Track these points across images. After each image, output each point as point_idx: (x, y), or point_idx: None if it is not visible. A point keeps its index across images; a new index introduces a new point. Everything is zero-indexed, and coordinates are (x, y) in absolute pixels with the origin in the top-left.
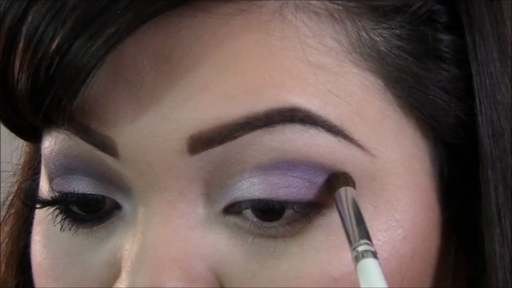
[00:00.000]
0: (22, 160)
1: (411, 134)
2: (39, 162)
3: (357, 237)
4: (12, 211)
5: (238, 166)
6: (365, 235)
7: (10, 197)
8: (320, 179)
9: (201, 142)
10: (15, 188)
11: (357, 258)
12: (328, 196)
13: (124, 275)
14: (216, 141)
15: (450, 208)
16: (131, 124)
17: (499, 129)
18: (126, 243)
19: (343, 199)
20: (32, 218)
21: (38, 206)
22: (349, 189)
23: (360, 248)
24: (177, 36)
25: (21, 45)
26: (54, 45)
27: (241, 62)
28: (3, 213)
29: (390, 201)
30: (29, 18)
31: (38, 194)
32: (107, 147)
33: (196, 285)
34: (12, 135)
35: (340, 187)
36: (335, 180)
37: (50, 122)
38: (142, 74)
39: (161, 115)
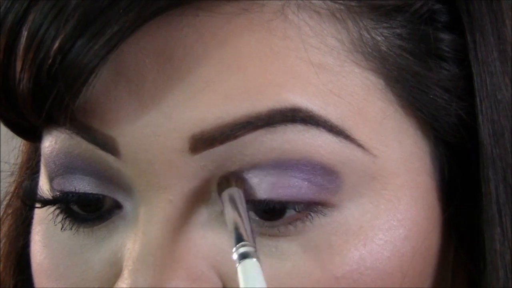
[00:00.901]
0: (20, 160)
1: (412, 134)
2: (38, 161)
3: (236, 241)
4: (10, 211)
5: (239, 166)
6: (244, 236)
7: (8, 197)
8: (321, 179)
9: (202, 142)
10: (13, 188)
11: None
12: (328, 196)
13: (126, 274)
14: (218, 141)
15: (450, 207)
16: (133, 123)
17: (500, 128)
18: (128, 242)
19: (226, 201)
20: (31, 217)
21: (38, 205)
22: (233, 190)
23: (240, 250)
24: (179, 35)
25: (22, 44)
26: (56, 45)
27: (243, 61)
28: (1, 213)
29: (391, 200)
30: (31, 17)
31: (38, 194)
32: (109, 146)
33: (198, 285)
34: (10, 134)
35: (226, 188)
36: (225, 181)
37: (51, 121)
38: (143, 73)
39: (163, 114)
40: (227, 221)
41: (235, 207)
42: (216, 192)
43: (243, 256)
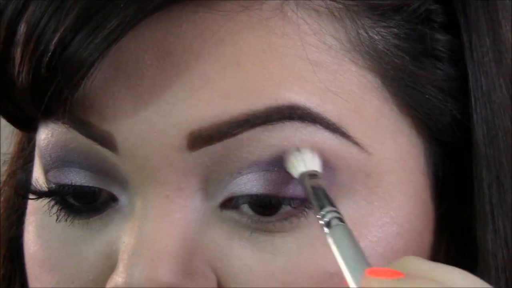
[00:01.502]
0: (10, 150)
1: (407, 133)
2: (31, 151)
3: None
4: (1, 199)
5: (236, 162)
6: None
7: None
8: None
9: (200, 139)
10: (5, 177)
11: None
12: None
13: (121, 267)
14: (216, 138)
15: (443, 205)
16: (131, 119)
17: (494, 128)
18: (123, 235)
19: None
20: (23, 208)
21: (33, 197)
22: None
23: (329, 215)
24: (178, 32)
25: (22, 37)
26: (56, 38)
27: (242, 59)
28: None
29: (385, 198)
30: (30, 9)
31: (33, 185)
32: (106, 141)
33: (193, 279)
34: (2, 123)
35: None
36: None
37: (49, 114)
38: (142, 70)
39: (161, 111)
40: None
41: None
42: (213, 188)
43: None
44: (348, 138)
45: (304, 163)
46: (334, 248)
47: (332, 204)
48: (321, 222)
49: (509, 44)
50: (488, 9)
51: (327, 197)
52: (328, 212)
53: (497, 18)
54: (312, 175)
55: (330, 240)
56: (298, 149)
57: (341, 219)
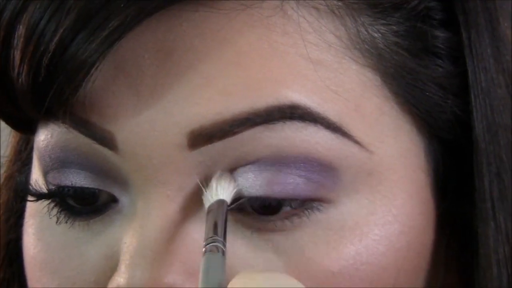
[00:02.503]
0: (8, 152)
1: (407, 130)
2: (29, 153)
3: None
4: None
5: (237, 162)
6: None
7: None
8: (318, 175)
9: (201, 137)
10: (3, 179)
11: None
12: (325, 192)
13: (123, 268)
14: (216, 137)
15: (444, 202)
16: (131, 118)
17: (494, 125)
18: (124, 236)
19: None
20: (22, 210)
21: (33, 199)
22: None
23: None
24: (178, 31)
25: (22, 37)
26: (56, 38)
27: (243, 58)
28: None
29: (387, 196)
30: (30, 10)
31: (32, 187)
32: (107, 141)
33: (195, 279)
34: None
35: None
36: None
37: (50, 115)
38: (142, 68)
39: (162, 110)
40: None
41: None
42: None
43: (210, 250)
44: (349, 137)
45: (210, 197)
46: (200, 274)
47: (220, 233)
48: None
49: (508, 40)
50: (486, 6)
51: (216, 225)
52: (212, 241)
53: (496, 15)
54: (218, 203)
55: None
56: (214, 183)
57: (222, 250)
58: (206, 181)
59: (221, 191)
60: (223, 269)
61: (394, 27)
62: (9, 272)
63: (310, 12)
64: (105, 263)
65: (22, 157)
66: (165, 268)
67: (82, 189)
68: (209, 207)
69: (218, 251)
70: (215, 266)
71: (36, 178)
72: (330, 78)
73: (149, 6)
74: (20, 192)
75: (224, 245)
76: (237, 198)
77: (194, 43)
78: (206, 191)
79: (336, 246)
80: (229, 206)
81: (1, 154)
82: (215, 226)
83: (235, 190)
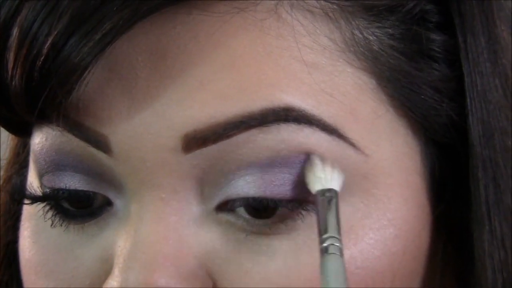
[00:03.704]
0: (6, 154)
1: (403, 134)
2: (26, 156)
3: (326, 229)
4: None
5: (232, 165)
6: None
7: None
8: None
9: (195, 141)
10: (1, 182)
11: (323, 251)
12: None
13: (116, 272)
14: (211, 140)
15: (440, 206)
16: (125, 121)
17: (490, 129)
18: (118, 239)
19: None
20: (19, 213)
21: (27, 202)
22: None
23: (328, 242)
24: (172, 34)
25: (15, 41)
26: (49, 42)
27: (237, 61)
28: None
29: (382, 200)
30: (23, 13)
31: (27, 190)
32: (101, 144)
33: (188, 283)
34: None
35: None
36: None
37: (43, 118)
38: (136, 71)
39: (156, 113)
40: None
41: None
42: (209, 190)
43: (327, 250)
44: (345, 139)
45: (322, 179)
46: (321, 276)
47: (337, 230)
48: (320, 246)
49: (504, 44)
50: (483, 9)
51: (332, 221)
52: (329, 237)
53: (492, 18)
54: (328, 193)
55: (320, 267)
56: (320, 162)
57: (340, 249)
58: (201, 184)
59: (334, 178)
60: (344, 271)
61: (390, 30)
62: (8, 274)
63: (305, 15)
64: (100, 266)
65: (20, 159)
66: (159, 272)
67: (77, 192)
68: (321, 192)
69: (336, 252)
70: (336, 269)
71: (32, 181)
72: (324, 81)
73: (143, 9)
74: (16, 195)
75: (341, 242)
76: (232, 201)
77: (188, 46)
78: (319, 173)
79: None
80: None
81: (1, 157)
82: (331, 220)
83: (340, 181)
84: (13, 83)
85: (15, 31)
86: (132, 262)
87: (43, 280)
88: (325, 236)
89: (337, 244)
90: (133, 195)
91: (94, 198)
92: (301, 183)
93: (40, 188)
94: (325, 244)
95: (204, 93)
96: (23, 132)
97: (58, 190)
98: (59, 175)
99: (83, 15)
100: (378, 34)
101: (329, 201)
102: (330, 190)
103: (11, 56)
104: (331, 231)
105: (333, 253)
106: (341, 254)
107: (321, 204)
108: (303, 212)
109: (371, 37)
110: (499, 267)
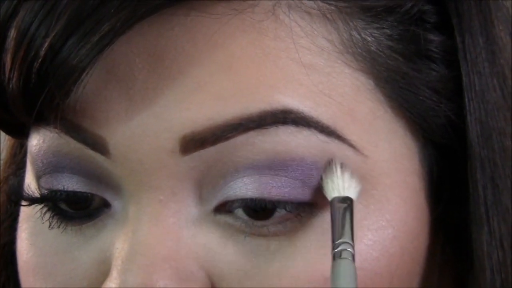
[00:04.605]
0: (3, 156)
1: (401, 134)
2: (23, 157)
3: (341, 235)
4: None
5: (230, 167)
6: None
7: None
8: (313, 179)
9: (193, 143)
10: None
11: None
12: (320, 197)
13: (115, 273)
14: (209, 142)
15: (438, 207)
16: (123, 123)
17: (488, 129)
18: (116, 241)
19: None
20: (16, 214)
21: (25, 203)
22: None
23: (341, 247)
24: (170, 35)
25: (12, 42)
26: (47, 43)
27: (235, 63)
28: None
29: (381, 200)
30: (21, 15)
31: (25, 192)
32: (98, 145)
33: (187, 284)
34: None
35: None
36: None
37: (41, 120)
38: (134, 73)
39: (153, 114)
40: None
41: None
42: (207, 192)
43: (340, 255)
44: (343, 140)
45: (339, 186)
46: (332, 280)
47: (350, 237)
48: (332, 251)
49: (502, 44)
50: (481, 9)
51: (347, 228)
52: (342, 243)
53: (490, 18)
54: (344, 202)
55: (331, 271)
56: (339, 169)
57: (353, 255)
58: (199, 186)
59: (351, 186)
60: (355, 277)
61: (388, 31)
62: (5, 275)
63: (302, 16)
64: (98, 268)
65: (17, 160)
66: (157, 274)
67: (74, 194)
68: (336, 199)
69: (349, 257)
70: (348, 273)
71: (29, 183)
72: (322, 82)
73: (141, 11)
74: (12, 196)
75: (353, 248)
76: (230, 202)
77: (186, 48)
78: (337, 180)
79: (329, 251)
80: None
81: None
82: (346, 226)
83: (357, 189)
84: (11, 85)
85: (12, 33)
86: (130, 264)
87: (41, 282)
88: (338, 241)
89: (350, 250)
90: (131, 197)
91: (92, 200)
92: (299, 185)
93: (37, 190)
94: (338, 249)
95: (202, 95)
96: (20, 134)
97: (56, 191)
98: (57, 176)
99: (81, 16)
100: (376, 35)
101: (345, 209)
102: (346, 198)
103: (8, 58)
104: (346, 237)
105: (346, 258)
106: (353, 260)
107: (337, 211)
108: (302, 214)
109: (369, 38)
110: (497, 267)
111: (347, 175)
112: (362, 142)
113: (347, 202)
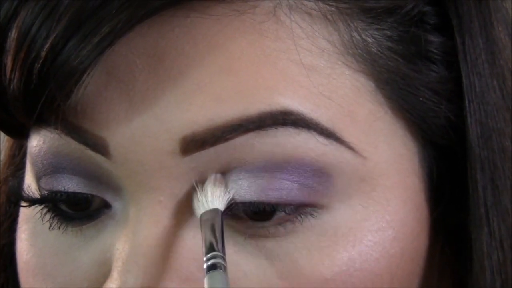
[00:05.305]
0: (2, 157)
1: (401, 135)
2: (23, 158)
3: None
4: None
5: (229, 168)
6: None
7: None
8: (311, 181)
9: (193, 144)
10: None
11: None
12: (319, 197)
13: (115, 274)
14: (209, 143)
15: (438, 208)
16: (123, 124)
17: (488, 130)
18: (117, 242)
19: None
20: (16, 215)
21: (25, 204)
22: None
23: (212, 261)
24: (170, 36)
25: (13, 44)
26: (47, 45)
27: (235, 64)
28: None
29: (380, 202)
30: (21, 16)
31: (25, 192)
32: (99, 146)
33: (188, 285)
34: None
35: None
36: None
37: (41, 121)
38: (134, 74)
39: (154, 116)
40: (202, 237)
41: (212, 227)
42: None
43: (212, 267)
44: (342, 143)
45: (203, 201)
46: None
47: (221, 249)
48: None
49: (502, 45)
50: (481, 10)
51: (217, 241)
52: (213, 257)
53: (490, 19)
54: (211, 213)
55: (205, 285)
56: (199, 187)
57: (224, 266)
58: (199, 187)
59: (216, 198)
60: (228, 286)
61: (388, 32)
62: (4, 277)
63: (303, 17)
64: (98, 269)
65: (16, 161)
66: (158, 275)
67: (74, 195)
68: (203, 215)
69: (220, 268)
70: (219, 284)
71: (29, 184)
72: (323, 84)
73: (141, 12)
74: (12, 197)
75: (225, 260)
76: (230, 204)
77: (186, 49)
78: (199, 197)
79: (329, 252)
80: (223, 213)
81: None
82: (213, 240)
83: (229, 197)
84: (11, 86)
85: (13, 34)
86: (131, 265)
87: (41, 283)
88: (209, 255)
89: (221, 262)
90: (131, 198)
91: (92, 201)
92: (298, 187)
93: (38, 191)
94: (210, 262)
95: (202, 96)
96: (20, 135)
97: (56, 192)
98: (57, 177)
99: (82, 18)
100: (377, 36)
101: (212, 222)
102: (212, 210)
103: (9, 59)
104: (216, 250)
105: (218, 269)
106: (225, 270)
107: (203, 226)
108: (302, 215)
109: (369, 39)
110: (497, 268)
111: (209, 188)
112: (362, 144)
113: (213, 214)
